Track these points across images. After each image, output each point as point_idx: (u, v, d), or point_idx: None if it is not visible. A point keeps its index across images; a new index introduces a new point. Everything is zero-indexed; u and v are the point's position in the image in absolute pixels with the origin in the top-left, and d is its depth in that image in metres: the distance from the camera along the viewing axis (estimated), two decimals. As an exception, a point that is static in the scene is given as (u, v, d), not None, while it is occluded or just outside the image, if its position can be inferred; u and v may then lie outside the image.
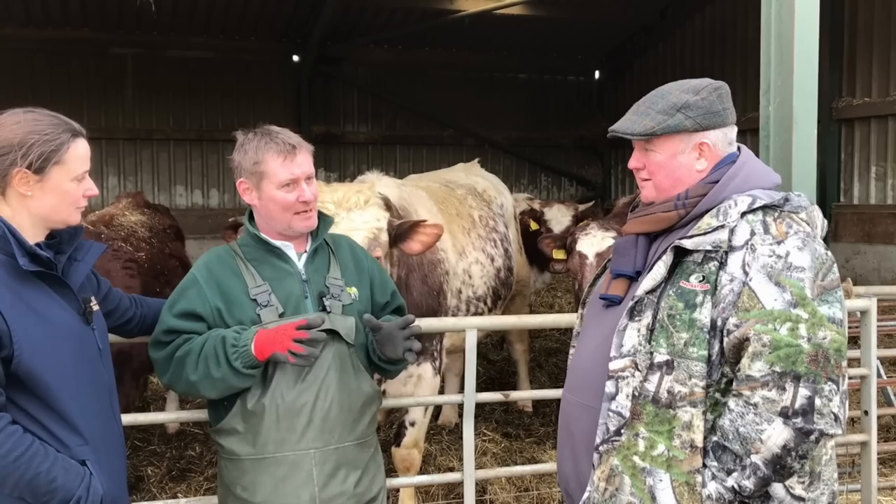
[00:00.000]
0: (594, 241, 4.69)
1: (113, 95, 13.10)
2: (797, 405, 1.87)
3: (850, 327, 5.41)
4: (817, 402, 1.87)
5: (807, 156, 3.12)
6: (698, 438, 1.96)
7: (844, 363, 1.94)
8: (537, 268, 7.09)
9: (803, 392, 1.87)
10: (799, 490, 1.99)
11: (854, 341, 3.87)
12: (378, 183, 4.28)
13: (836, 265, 2.00)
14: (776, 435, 1.88)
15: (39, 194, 2.06)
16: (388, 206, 3.64)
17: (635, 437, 2.01)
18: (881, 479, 4.35)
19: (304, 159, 2.48)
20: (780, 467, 1.90)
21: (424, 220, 3.58)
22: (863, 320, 3.77)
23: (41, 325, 2.00)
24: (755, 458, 1.90)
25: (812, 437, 1.88)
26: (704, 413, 1.96)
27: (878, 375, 4.79)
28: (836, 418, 1.89)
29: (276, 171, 2.44)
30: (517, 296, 5.90)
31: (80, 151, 2.11)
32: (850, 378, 4.06)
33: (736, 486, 1.93)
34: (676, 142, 2.13)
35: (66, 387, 2.03)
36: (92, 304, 2.20)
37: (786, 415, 1.87)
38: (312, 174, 2.52)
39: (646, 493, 1.99)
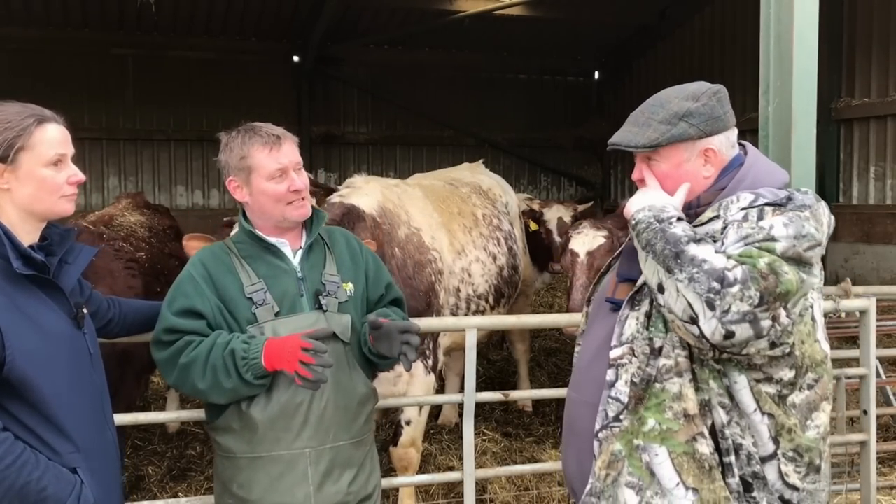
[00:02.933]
0: (585, 240, 4.78)
1: (114, 96, 13.14)
2: (732, 276, 1.82)
3: (849, 327, 5.47)
4: (735, 289, 1.80)
5: (806, 156, 3.12)
6: (691, 406, 1.95)
7: (782, 307, 1.86)
8: (537, 268, 7.10)
9: (737, 273, 1.82)
10: (794, 479, 1.97)
11: (853, 341, 3.88)
12: (364, 188, 4.28)
13: (821, 248, 1.95)
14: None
15: (16, 185, 2.01)
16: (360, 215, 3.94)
17: (638, 420, 2.01)
18: (880, 479, 4.36)
19: (289, 149, 2.46)
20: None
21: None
22: (862, 320, 3.78)
23: (34, 330, 1.95)
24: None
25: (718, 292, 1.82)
26: (692, 381, 1.95)
27: (878, 375, 4.80)
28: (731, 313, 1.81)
29: (264, 162, 2.42)
30: (520, 295, 5.91)
31: (47, 135, 2.04)
32: (849, 378, 4.12)
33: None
34: (681, 150, 2.11)
35: (59, 393, 1.98)
36: (84, 309, 2.15)
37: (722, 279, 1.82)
38: (300, 163, 2.49)
39: (643, 470, 1.98)
